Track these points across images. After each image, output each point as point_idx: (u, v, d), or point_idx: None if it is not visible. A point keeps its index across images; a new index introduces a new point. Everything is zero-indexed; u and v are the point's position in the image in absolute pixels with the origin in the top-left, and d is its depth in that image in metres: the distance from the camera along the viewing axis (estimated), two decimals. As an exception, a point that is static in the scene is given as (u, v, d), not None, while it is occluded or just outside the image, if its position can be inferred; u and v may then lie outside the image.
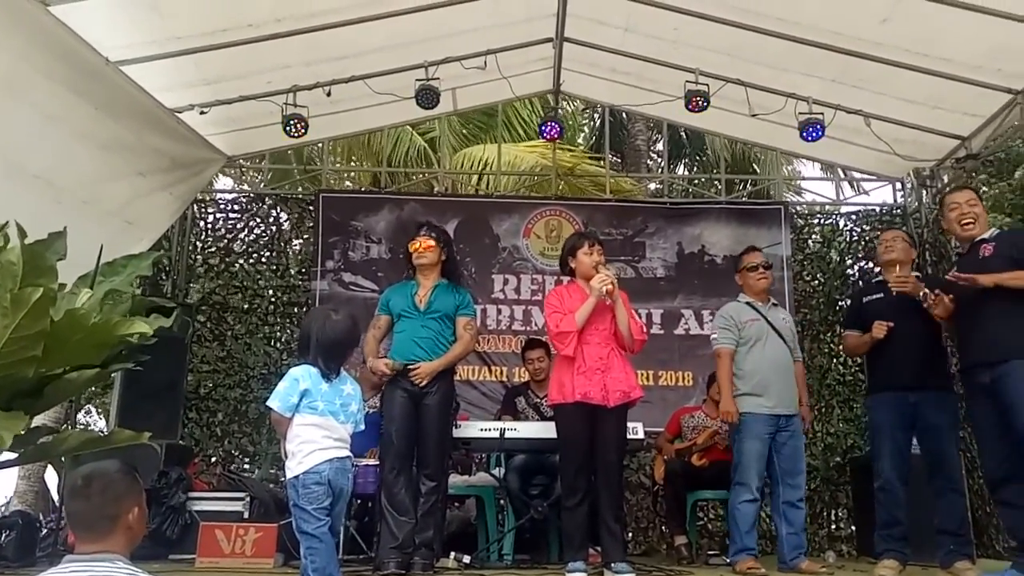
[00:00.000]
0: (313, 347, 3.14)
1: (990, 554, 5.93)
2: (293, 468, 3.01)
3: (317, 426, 3.04)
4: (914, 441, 4.60)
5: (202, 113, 6.19)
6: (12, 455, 3.30)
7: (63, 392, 3.47)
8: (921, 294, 4.34)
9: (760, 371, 4.76)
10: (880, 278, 4.87)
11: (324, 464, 2.98)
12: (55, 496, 11.19)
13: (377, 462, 4.73)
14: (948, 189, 5.99)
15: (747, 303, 4.98)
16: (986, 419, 4.05)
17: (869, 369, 4.79)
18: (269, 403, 3.08)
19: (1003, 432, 3.92)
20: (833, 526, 7.21)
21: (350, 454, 3.12)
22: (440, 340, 4.61)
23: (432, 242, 4.70)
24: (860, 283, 7.34)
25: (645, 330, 4.51)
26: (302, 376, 3.08)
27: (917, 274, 4.70)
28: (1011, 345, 3.88)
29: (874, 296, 4.77)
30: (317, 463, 2.98)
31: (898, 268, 4.52)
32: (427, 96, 6.18)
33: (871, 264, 7.39)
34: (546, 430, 4.89)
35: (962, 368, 4.28)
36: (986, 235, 4.24)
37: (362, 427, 3.28)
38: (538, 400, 5.83)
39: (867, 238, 7.66)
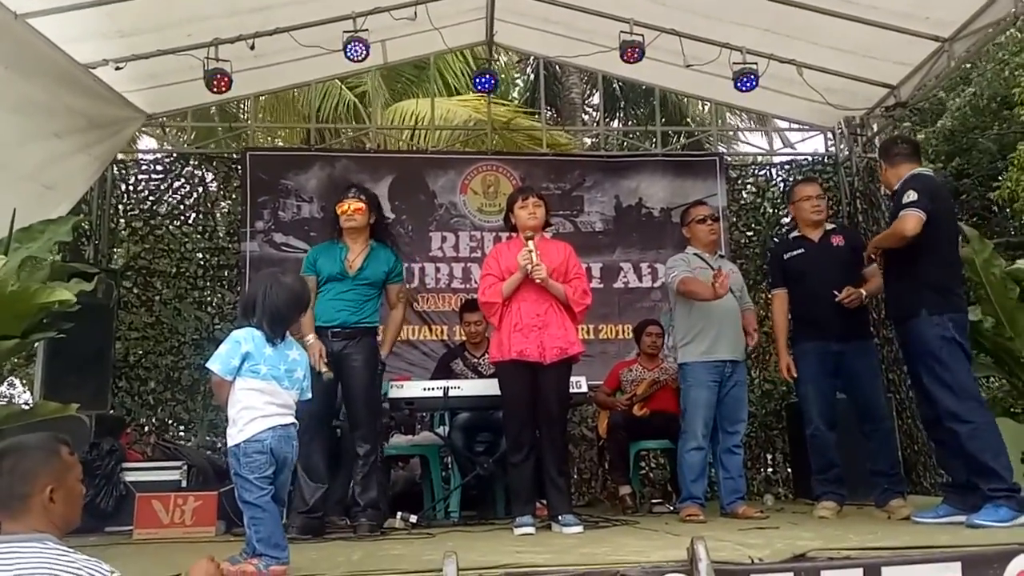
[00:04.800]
0: (259, 310, 2.99)
1: (918, 491, 6.16)
2: (234, 436, 2.88)
3: (260, 391, 2.91)
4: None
5: (117, 68, 5.90)
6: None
7: (-19, 365, 3.30)
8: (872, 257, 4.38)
9: (705, 319, 4.77)
10: (797, 233, 4.86)
11: (266, 432, 2.86)
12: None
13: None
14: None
15: (695, 254, 4.97)
16: (912, 365, 4.13)
17: (794, 322, 4.83)
18: (208, 365, 2.93)
19: None
20: (770, 470, 7.39)
21: (295, 421, 3.00)
22: (365, 304, 4.54)
23: (361, 204, 4.55)
24: (775, 239, 7.30)
25: (588, 292, 4.38)
26: (244, 338, 2.94)
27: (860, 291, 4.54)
28: (913, 302, 3.93)
29: (795, 252, 4.79)
30: (259, 431, 2.85)
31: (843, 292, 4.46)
32: (355, 49, 6.01)
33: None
34: (489, 387, 4.86)
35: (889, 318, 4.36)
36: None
37: (308, 395, 3.16)
38: (476, 360, 5.79)
39: (799, 188, 7.72)
